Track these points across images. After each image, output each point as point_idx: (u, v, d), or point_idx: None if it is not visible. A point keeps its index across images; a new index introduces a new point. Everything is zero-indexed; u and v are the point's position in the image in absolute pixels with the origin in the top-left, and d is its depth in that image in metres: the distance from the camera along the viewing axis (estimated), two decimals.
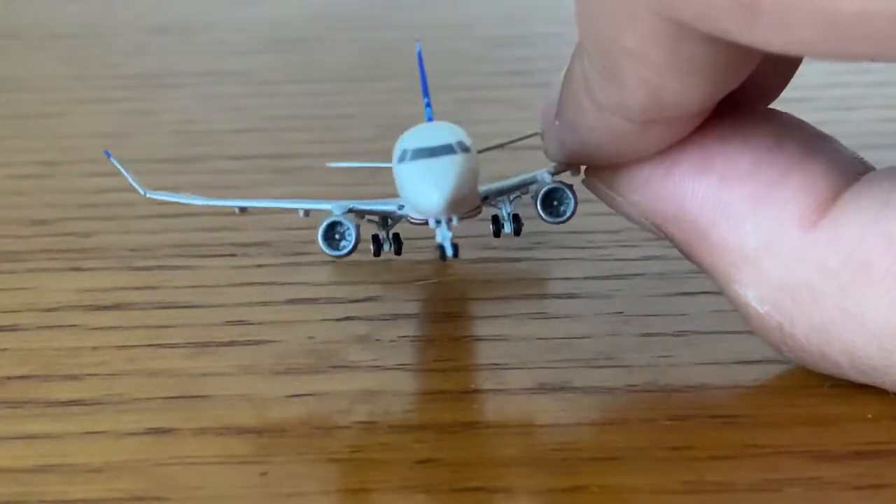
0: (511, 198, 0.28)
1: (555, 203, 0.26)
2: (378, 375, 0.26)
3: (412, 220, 0.27)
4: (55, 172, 0.36)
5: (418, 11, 0.37)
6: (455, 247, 0.24)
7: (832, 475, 0.22)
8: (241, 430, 0.24)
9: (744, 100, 0.25)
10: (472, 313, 0.29)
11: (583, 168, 0.27)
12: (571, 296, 0.29)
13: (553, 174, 0.27)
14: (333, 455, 0.23)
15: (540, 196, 0.26)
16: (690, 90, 0.23)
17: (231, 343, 0.27)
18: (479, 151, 0.32)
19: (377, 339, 0.28)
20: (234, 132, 0.39)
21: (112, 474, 0.23)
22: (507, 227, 0.28)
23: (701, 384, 0.25)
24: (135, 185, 0.29)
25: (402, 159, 0.24)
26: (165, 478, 0.23)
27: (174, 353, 0.27)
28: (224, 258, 0.31)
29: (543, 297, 0.29)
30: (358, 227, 0.26)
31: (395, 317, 0.28)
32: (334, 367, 0.27)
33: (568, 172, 0.28)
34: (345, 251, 0.26)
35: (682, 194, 0.25)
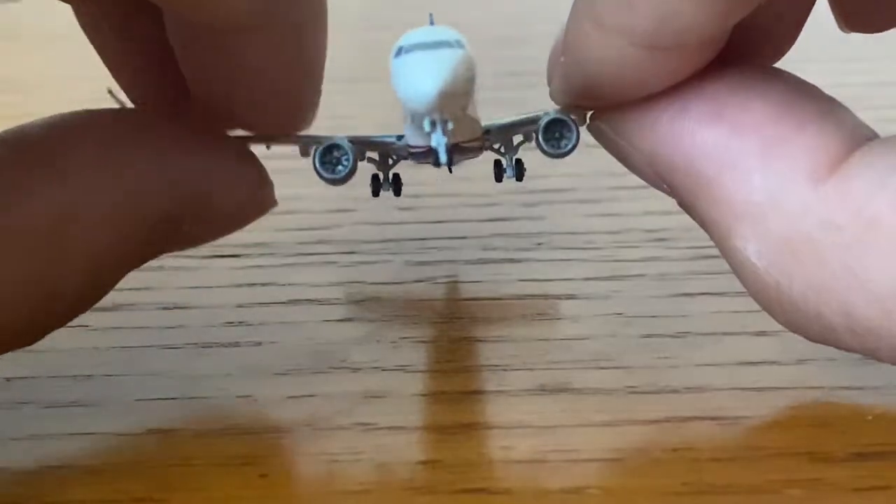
0: (515, 143, 0.27)
1: (556, 135, 0.25)
2: (379, 377, 0.26)
3: (412, 150, 0.26)
4: None
5: (418, 11, 0.37)
6: (449, 154, 0.23)
7: (833, 477, 0.22)
8: (242, 431, 0.24)
9: (752, 53, 0.25)
10: (473, 315, 0.29)
11: (589, 114, 0.26)
12: (571, 297, 0.29)
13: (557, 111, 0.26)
14: (333, 456, 0.23)
15: (542, 126, 0.25)
16: (702, 13, 0.22)
17: (231, 344, 0.28)
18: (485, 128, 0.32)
19: (377, 341, 0.28)
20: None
21: (112, 475, 0.23)
22: (510, 172, 0.27)
23: (701, 385, 0.25)
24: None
25: (397, 54, 0.23)
26: (166, 479, 0.23)
27: (175, 353, 0.27)
28: (225, 259, 0.31)
29: (543, 298, 0.29)
30: (356, 155, 0.25)
31: (396, 318, 0.28)
32: (335, 368, 0.27)
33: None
34: (340, 175, 0.25)
35: (690, 141, 0.24)
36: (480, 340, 0.27)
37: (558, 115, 0.25)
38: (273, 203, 0.27)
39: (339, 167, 0.25)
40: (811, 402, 0.24)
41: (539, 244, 0.31)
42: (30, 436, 0.24)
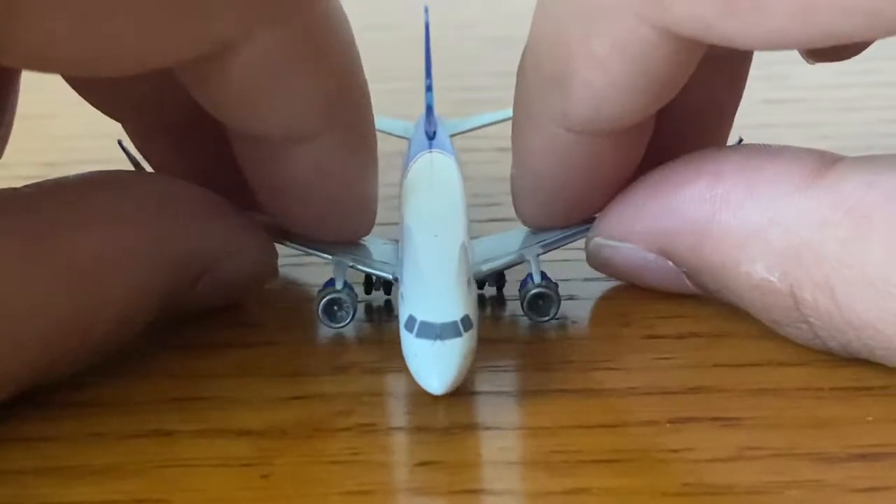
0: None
1: (540, 303, 0.27)
2: (379, 377, 0.26)
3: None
4: (56, 173, 0.36)
5: (418, 12, 0.37)
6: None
7: (832, 478, 0.22)
8: (243, 433, 0.24)
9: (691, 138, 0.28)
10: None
11: (586, 249, 0.28)
12: (571, 297, 0.29)
13: (541, 253, 0.28)
14: (334, 457, 0.23)
15: (527, 299, 0.27)
16: (633, 104, 0.24)
17: (231, 344, 0.28)
18: (455, 135, 0.33)
19: (378, 341, 0.28)
20: None
21: (113, 476, 0.23)
22: (491, 281, 0.29)
23: (701, 386, 0.25)
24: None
25: (408, 327, 0.24)
26: (167, 480, 0.23)
27: (175, 354, 0.27)
28: None
29: None
30: (355, 304, 0.27)
31: (396, 318, 0.28)
32: (335, 368, 0.27)
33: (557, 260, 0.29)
34: (343, 323, 0.27)
35: (678, 202, 0.26)
36: (480, 341, 0.27)
37: (541, 290, 0.27)
38: (275, 274, 0.29)
39: (342, 313, 0.27)
40: (811, 403, 0.24)
41: None
42: (30, 436, 0.24)
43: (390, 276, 0.28)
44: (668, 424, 0.24)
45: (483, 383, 0.26)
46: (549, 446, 0.23)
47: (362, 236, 0.29)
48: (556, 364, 0.26)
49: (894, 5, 0.20)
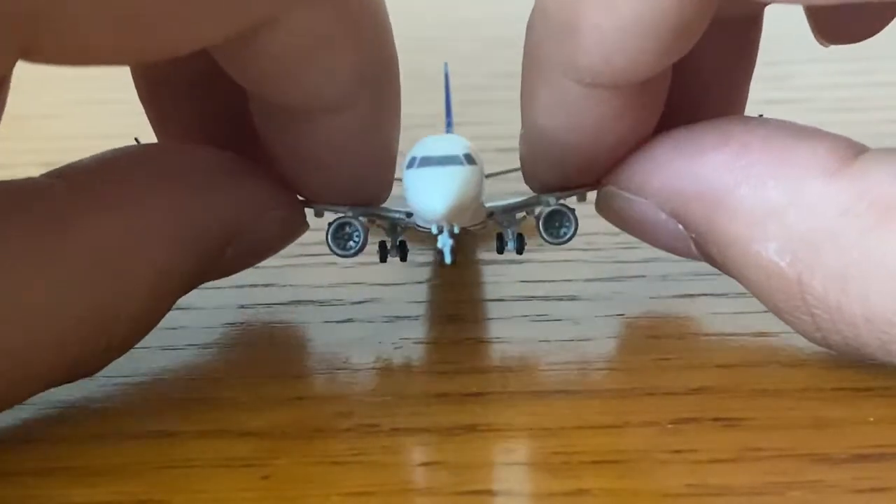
0: (517, 217, 0.28)
1: (556, 224, 0.27)
2: (380, 378, 0.26)
3: (419, 228, 0.27)
4: None
5: (419, 12, 0.37)
6: (454, 253, 0.24)
7: (834, 478, 0.22)
8: (243, 433, 0.24)
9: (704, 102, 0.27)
10: (474, 316, 0.29)
11: (597, 195, 0.28)
12: (573, 298, 0.29)
13: (558, 199, 0.27)
14: (335, 458, 0.23)
15: (542, 217, 0.27)
16: (643, 52, 0.24)
17: (232, 344, 0.28)
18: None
19: (379, 342, 0.28)
20: None
21: (114, 477, 0.23)
22: (511, 245, 0.28)
23: (702, 387, 0.25)
24: None
25: (410, 165, 0.25)
26: (167, 481, 0.23)
27: (176, 355, 0.27)
28: None
29: (545, 299, 0.29)
30: (367, 230, 0.26)
31: (397, 318, 0.28)
32: (336, 369, 0.27)
33: (573, 198, 0.28)
34: (352, 251, 0.26)
35: (700, 165, 0.25)
36: (482, 342, 0.27)
37: (558, 207, 0.26)
38: (305, 226, 0.28)
39: (351, 242, 0.26)
40: (813, 404, 0.24)
41: (541, 245, 0.31)
42: (31, 437, 0.24)
43: (403, 215, 0.27)
44: (669, 425, 0.24)
45: (484, 384, 0.26)
46: (550, 447, 0.23)
47: (381, 202, 0.28)
48: (556, 364, 0.26)
49: None
